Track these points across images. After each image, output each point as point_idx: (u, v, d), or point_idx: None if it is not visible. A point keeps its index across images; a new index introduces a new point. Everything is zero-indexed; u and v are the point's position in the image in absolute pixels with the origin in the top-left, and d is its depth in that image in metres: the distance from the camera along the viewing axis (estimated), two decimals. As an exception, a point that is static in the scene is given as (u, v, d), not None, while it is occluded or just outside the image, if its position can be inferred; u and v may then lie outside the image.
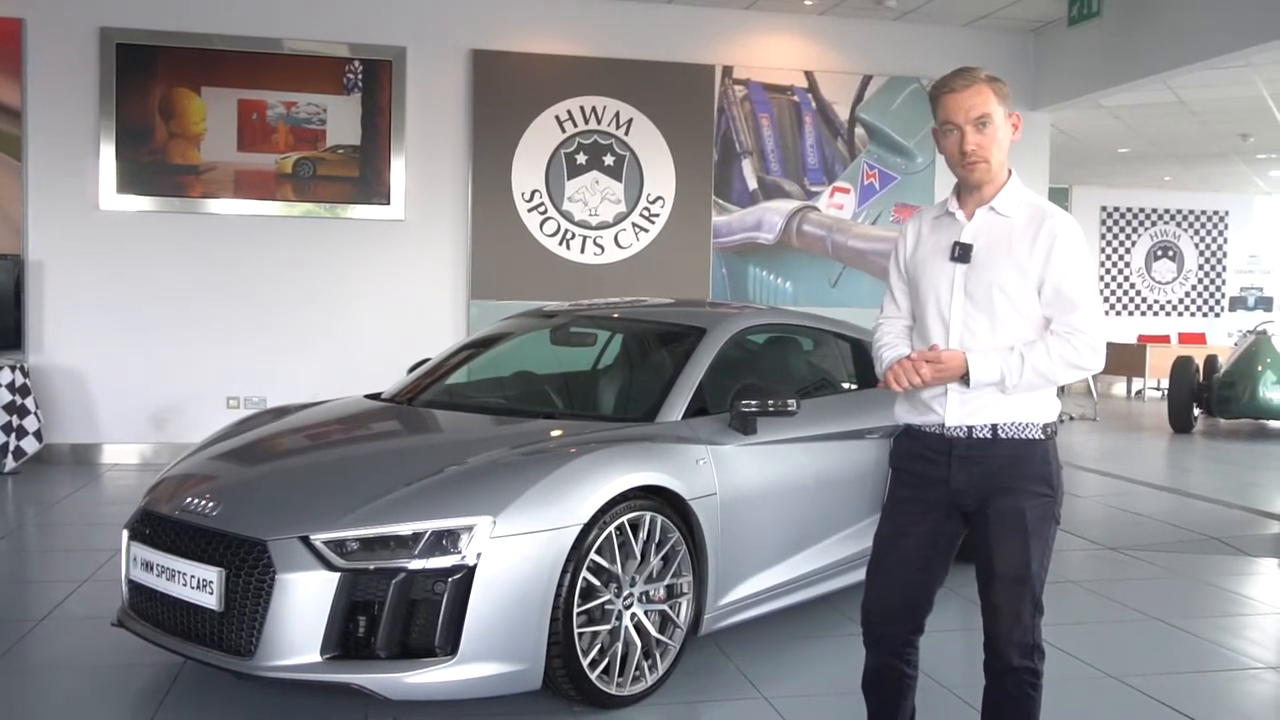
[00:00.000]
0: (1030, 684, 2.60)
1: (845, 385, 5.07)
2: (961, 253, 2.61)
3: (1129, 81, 8.60)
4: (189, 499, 3.43)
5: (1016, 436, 2.57)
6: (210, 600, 3.17)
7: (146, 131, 8.01)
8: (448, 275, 8.61)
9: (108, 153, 7.94)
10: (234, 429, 4.24)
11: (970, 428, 2.58)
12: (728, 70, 9.00)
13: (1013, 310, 2.56)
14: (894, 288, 2.81)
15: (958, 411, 2.59)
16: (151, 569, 3.37)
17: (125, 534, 3.60)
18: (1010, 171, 2.66)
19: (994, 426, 2.57)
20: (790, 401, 3.91)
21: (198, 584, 3.21)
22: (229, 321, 8.25)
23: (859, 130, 9.27)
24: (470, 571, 3.09)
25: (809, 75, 9.17)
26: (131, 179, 8.00)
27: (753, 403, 3.89)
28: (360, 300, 8.46)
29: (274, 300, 8.32)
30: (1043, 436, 2.58)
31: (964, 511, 2.64)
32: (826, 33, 9.18)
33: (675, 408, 3.94)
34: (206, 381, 8.20)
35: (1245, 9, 7.35)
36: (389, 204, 8.41)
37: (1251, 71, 8.88)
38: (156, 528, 3.44)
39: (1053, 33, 9.26)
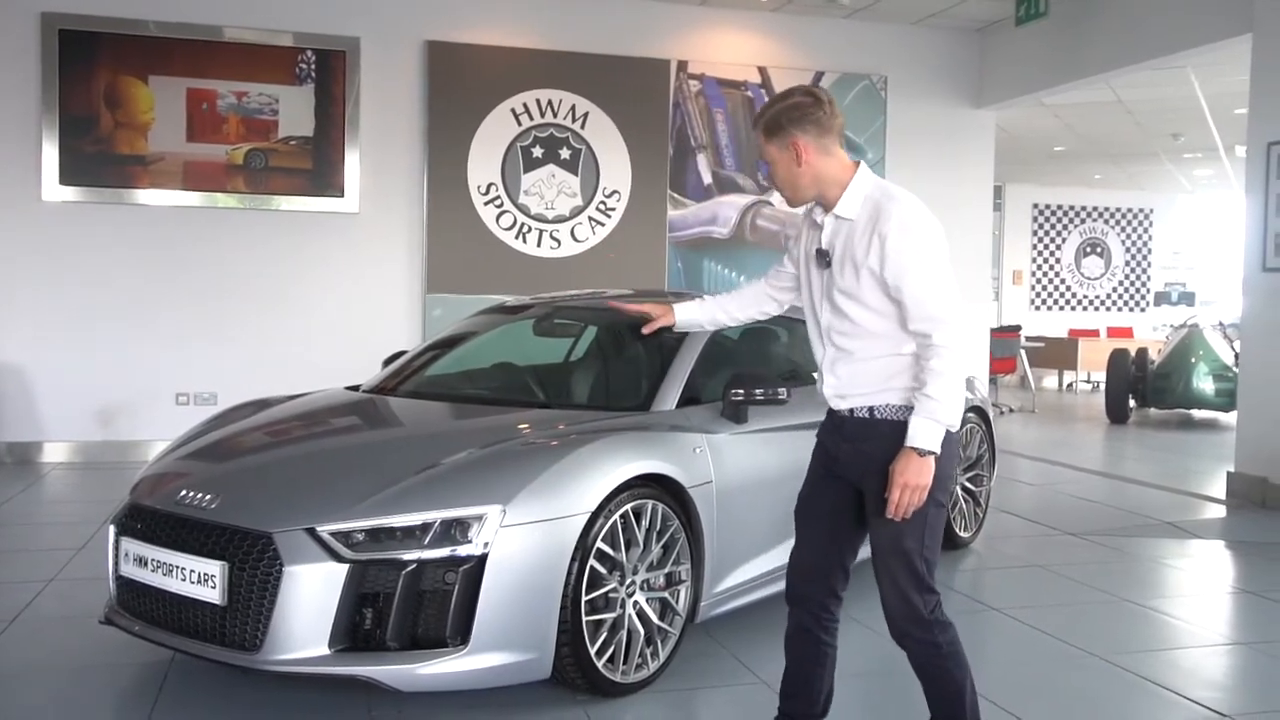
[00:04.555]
0: (934, 654, 2.70)
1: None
2: (822, 258, 2.73)
3: (1073, 81, 8.83)
4: (183, 492, 3.35)
5: (892, 418, 2.66)
6: (213, 594, 3.10)
7: (91, 121, 7.79)
8: (403, 269, 8.52)
9: (50, 142, 7.71)
10: (214, 423, 4.14)
11: (852, 409, 2.71)
12: (683, 65, 9.04)
13: (863, 310, 2.65)
14: (784, 264, 3.02)
15: (831, 385, 2.75)
16: (146, 564, 3.28)
17: (112, 529, 3.50)
18: (858, 165, 2.70)
19: (871, 408, 2.68)
20: (781, 390, 3.94)
21: (199, 578, 3.13)
22: (177, 316, 8.06)
23: (811, 126, 9.35)
24: (481, 561, 3.07)
25: (762, 71, 9.25)
26: (75, 170, 7.77)
27: (744, 392, 3.92)
28: (313, 294, 8.32)
29: (224, 294, 8.14)
30: None
31: (855, 488, 2.76)
32: (780, 29, 9.26)
33: (669, 397, 3.96)
34: (155, 378, 8.01)
35: (1187, 12, 7.60)
36: (343, 196, 8.29)
37: (1189, 72, 9.18)
38: (149, 522, 3.35)
39: (1000, 32, 9.46)
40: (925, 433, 2.56)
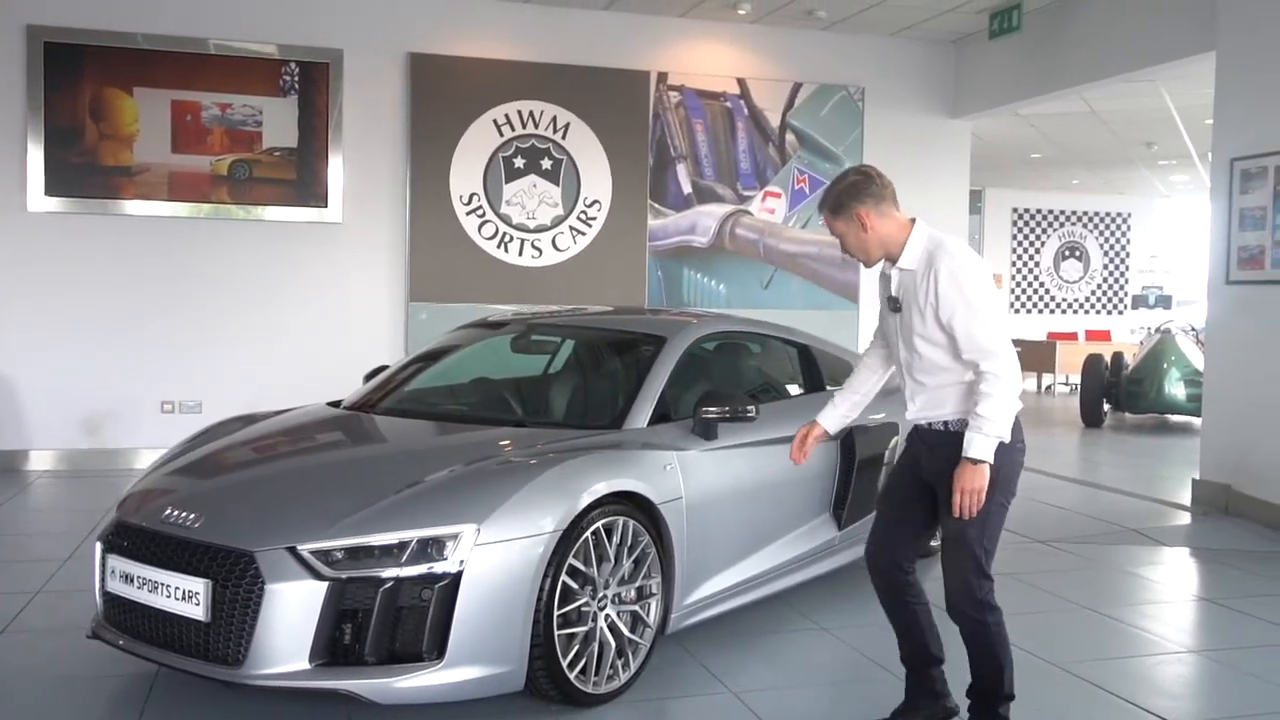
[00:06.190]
0: (979, 630, 3.18)
1: (793, 389, 5.25)
2: (892, 304, 3.25)
3: (1046, 93, 8.98)
4: (168, 510, 3.45)
5: (960, 430, 3.12)
6: (197, 611, 3.21)
7: (76, 132, 7.86)
8: (386, 278, 8.62)
9: (36, 153, 7.78)
10: (199, 439, 4.24)
11: (930, 421, 3.23)
12: (662, 76, 9.15)
13: (931, 348, 3.14)
14: (879, 316, 3.46)
15: (914, 410, 3.28)
16: (131, 581, 3.39)
17: (99, 546, 3.60)
18: (914, 222, 3.18)
19: (946, 421, 3.19)
20: (750, 407, 4.08)
21: (183, 595, 3.24)
22: (163, 326, 8.14)
23: (789, 136, 9.50)
24: (456, 578, 3.18)
25: (741, 82, 9.37)
26: (61, 180, 7.84)
27: (715, 409, 4.05)
28: (298, 303, 8.41)
29: (209, 304, 8.23)
30: None
31: (930, 485, 3.25)
32: (758, 41, 9.39)
33: (641, 415, 4.08)
34: (140, 387, 8.09)
35: (1155, 30, 7.77)
36: (326, 206, 8.39)
37: (1159, 85, 9.35)
38: (135, 540, 3.45)
39: (974, 45, 9.61)
40: (978, 445, 3.01)
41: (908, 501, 3.35)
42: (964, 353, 3.05)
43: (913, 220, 3.18)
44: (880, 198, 3.15)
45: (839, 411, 3.56)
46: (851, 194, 3.15)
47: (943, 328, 3.08)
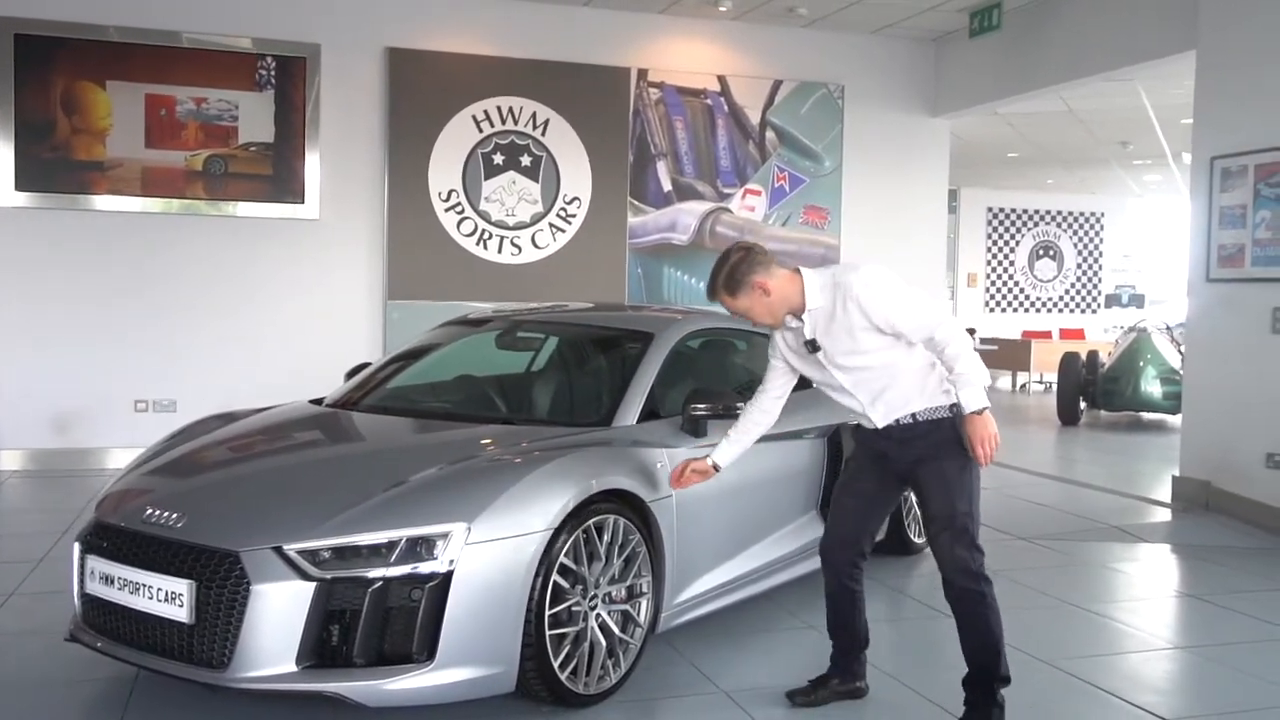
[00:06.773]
0: (976, 601, 3.32)
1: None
2: (811, 347, 3.39)
3: (1025, 92, 9.01)
4: (149, 510, 3.37)
5: (930, 418, 3.35)
6: (180, 613, 3.13)
7: (48, 126, 7.73)
8: (364, 275, 8.53)
9: (6, 148, 7.64)
10: (179, 437, 4.16)
11: (897, 420, 3.37)
12: (643, 73, 9.11)
13: (869, 358, 3.31)
14: (774, 368, 3.58)
15: (879, 417, 3.40)
16: (112, 582, 3.31)
17: (77, 547, 3.52)
18: (799, 272, 3.35)
19: (913, 415, 3.35)
20: (739, 405, 4.02)
21: (166, 597, 3.17)
22: (136, 323, 8.01)
23: (770, 134, 9.49)
24: (446, 578, 3.13)
25: (721, 79, 9.35)
26: (32, 175, 7.71)
27: (704, 406, 4.01)
28: (274, 300, 8.31)
29: (183, 301, 8.11)
30: (949, 415, 3.33)
31: (901, 476, 3.45)
32: (739, 38, 9.37)
33: (630, 412, 4.04)
34: (113, 385, 7.96)
35: (1135, 29, 7.81)
36: (303, 203, 8.29)
37: (1137, 84, 9.41)
38: (115, 540, 3.37)
39: (954, 43, 9.63)
40: (973, 397, 3.21)
41: (871, 496, 3.52)
42: (913, 336, 3.24)
43: (796, 270, 3.36)
44: (767, 263, 3.33)
45: (734, 449, 3.66)
46: (744, 269, 3.31)
47: (882, 333, 3.25)
